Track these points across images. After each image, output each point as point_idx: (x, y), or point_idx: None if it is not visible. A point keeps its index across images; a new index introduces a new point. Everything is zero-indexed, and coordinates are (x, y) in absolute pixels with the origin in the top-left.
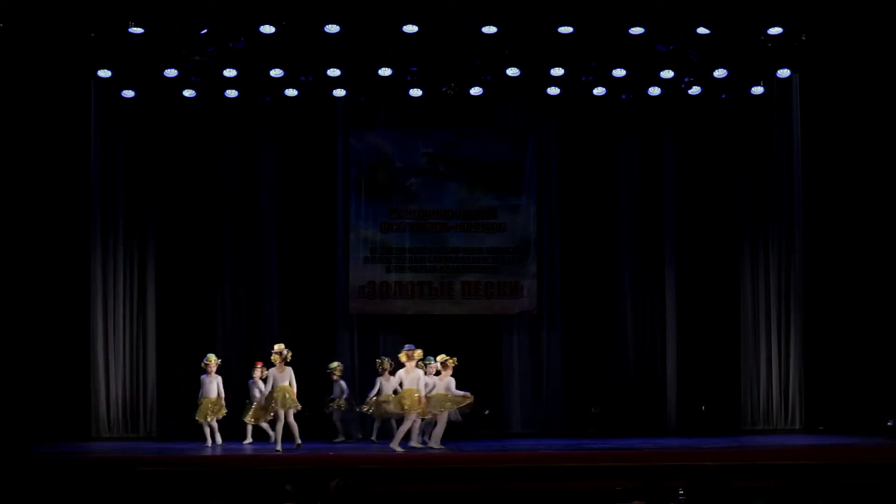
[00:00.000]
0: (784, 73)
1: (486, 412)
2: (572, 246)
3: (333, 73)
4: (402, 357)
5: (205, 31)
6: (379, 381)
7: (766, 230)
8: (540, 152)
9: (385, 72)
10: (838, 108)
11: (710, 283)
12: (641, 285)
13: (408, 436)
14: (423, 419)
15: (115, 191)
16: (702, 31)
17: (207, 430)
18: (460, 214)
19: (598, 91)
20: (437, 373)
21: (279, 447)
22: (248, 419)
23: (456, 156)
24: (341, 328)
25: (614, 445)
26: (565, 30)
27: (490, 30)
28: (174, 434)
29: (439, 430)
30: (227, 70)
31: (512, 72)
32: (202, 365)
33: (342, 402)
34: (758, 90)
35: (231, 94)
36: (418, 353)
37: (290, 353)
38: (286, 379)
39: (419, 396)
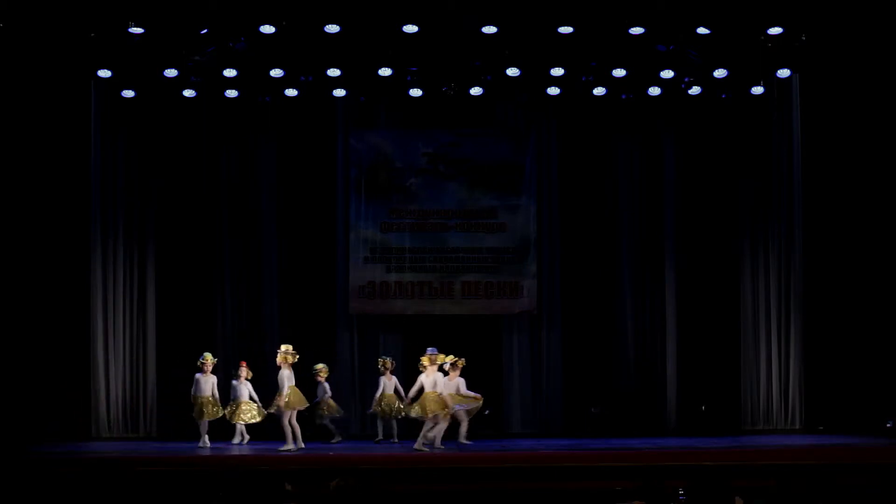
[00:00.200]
0: (784, 73)
1: (486, 412)
2: (572, 246)
3: (333, 73)
4: (425, 361)
5: (205, 31)
6: (382, 380)
7: (766, 230)
8: (540, 152)
9: (385, 72)
10: (838, 108)
11: (710, 283)
12: (641, 285)
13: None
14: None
15: (115, 191)
16: (702, 31)
17: (203, 429)
18: (460, 214)
19: (598, 91)
20: (445, 373)
21: (291, 446)
22: (237, 420)
23: (456, 156)
24: (341, 328)
25: (614, 445)
26: (565, 30)
27: (490, 30)
28: (174, 434)
29: (440, 430)
30: (227, 70)
31: (512, 72)
32: (198, 363)
33: (328, 401)
34: (758, 90)
35: (231, 94)
36: (441, 357)
37: (296, 356)
38: (293, 379)
39: (442, 397)
